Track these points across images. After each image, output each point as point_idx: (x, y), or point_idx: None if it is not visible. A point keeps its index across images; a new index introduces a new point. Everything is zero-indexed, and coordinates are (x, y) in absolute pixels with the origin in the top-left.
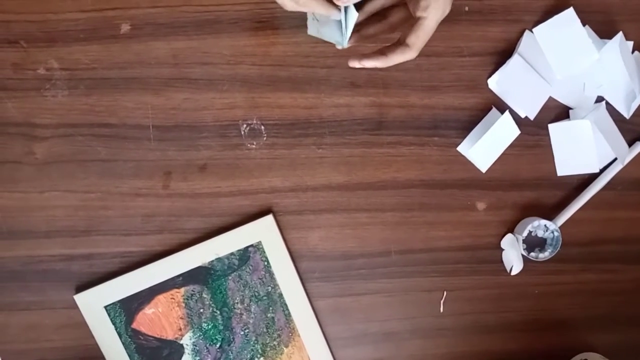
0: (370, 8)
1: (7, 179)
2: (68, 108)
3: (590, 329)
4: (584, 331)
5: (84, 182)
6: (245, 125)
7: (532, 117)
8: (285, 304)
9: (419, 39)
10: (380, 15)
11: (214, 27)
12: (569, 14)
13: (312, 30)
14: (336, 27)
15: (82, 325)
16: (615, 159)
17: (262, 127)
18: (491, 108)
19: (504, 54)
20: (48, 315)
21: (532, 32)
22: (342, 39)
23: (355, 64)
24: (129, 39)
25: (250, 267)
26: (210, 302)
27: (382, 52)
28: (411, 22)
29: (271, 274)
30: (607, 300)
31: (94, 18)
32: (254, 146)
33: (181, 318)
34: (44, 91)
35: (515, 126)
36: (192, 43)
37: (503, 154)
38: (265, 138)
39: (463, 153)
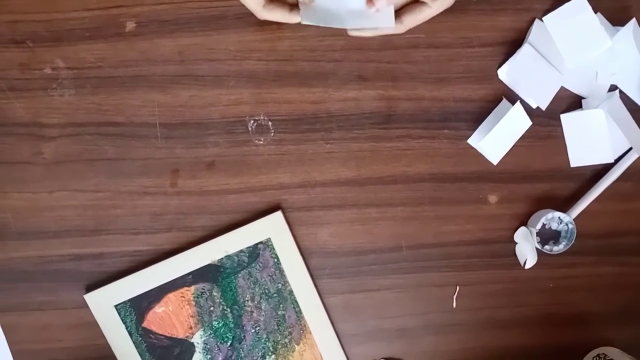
0: None
1: (16, 180)
2: (75, 107)
3: (607, 322)
4: (600, 325)
5: (93, 181)
6: (252, 122)
7: (543, 108)
8: (296, 301)
9: (415, 21)
10: None
11: (219, 23)
12: (580, 1)
13: (307, 17)
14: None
15: (93, 324)
16: (630, 149)
17: (270, 123)
18: (502, 99)
19: (514, 43)
20: (59, 315)
21: (542, 21)
22: (343, 20)
23: (351, 33)
24: (134, 36)
25: (260, 264)
26: (221, 300)
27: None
28: (414, 4)
29: (281, 271)
30: (624, 293)
31: (99, 16)
32: (261, 142)
33: (191, 316)
34: (51, 91)
35: (527, 117)
36: (198, 39)
37: (515, 145)
38: (272, 134)
39: (474, 145)
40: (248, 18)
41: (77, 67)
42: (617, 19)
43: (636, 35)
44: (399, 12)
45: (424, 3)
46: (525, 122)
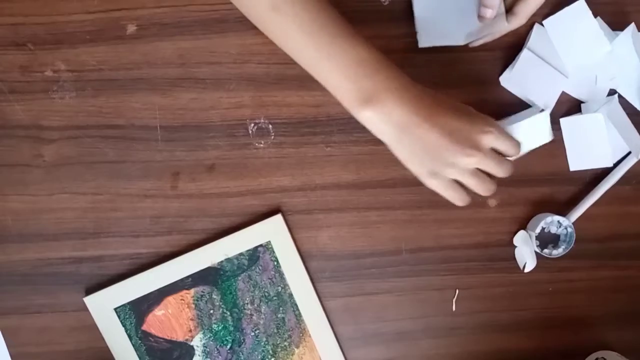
0: None
1: (16, 182)
2: (75, 110)
3: (607, 326)
4: (600, 329)
5: (93, 184)
6: (252, 125)
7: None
8: (296, 304)
9: (528, 10)
10: None
11: (220, 26)
12: (580, 5)
13: (424, 41)
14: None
15: (93, 327)
16: (629, 153)
17: (270, 126)
18: (504, 103)
19: (514, 47)
20: (59, 318)
21: (542, 25)
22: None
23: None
24: (135, 39)
25: (260, 268)
26: (220, 303)
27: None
28: None
29: (281, 274)
30: (624, 297)
31: (100, 19)
32: (261, 145)
33: (191, 319)
34: (52, 93)
35: (550, 130)
36: (199, 42)
37: None
38: (273, 137)
39: None
40: (249, 21)
41: (78, 69)
42: (616, 23)
43: (635, 40)
44: (508, 6)
45: None
46: (545, 136)
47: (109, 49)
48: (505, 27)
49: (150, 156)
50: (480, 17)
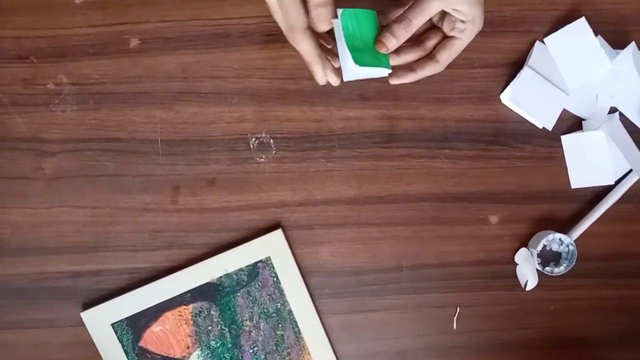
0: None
1: (16, 195)
2: (77, 123)
3: (609, 346)
4: (602, 348)
5: (93, 197)
6: (254, 139)
7: (550, 128)
8: (295, 321)
9: (450, 56)
10: (416, 40)
11: (223, 41)
12: (581, 23)
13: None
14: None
15: (89, 343)
16: (631, 171)
17: (272, 141)
18: (505, 121)
19: (516, 65)
20: (55, 333)
21: (543, 42)
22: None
23: (392, 81)
24: (138, 53)
25: (259, 283)
26: (219, 319)
27: (412, 69)
28: (445, 40)
29: (280, 290)
30: (627, 316)
31: (103, 33)
32: (263, 160)
33: (189, 336)
34: (53, 106)
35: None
36: (201, 57)
37: (516, 166)
38: (274, 152)
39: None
40: (252, 36)
41: (80, 82)
42: (617, 42)
43: (636, 58)
44: (433, 52)
45: (453, 37)
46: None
47: (112, 62)
48: (384, 75)
49: (151, 170)
50: (379, 42)
